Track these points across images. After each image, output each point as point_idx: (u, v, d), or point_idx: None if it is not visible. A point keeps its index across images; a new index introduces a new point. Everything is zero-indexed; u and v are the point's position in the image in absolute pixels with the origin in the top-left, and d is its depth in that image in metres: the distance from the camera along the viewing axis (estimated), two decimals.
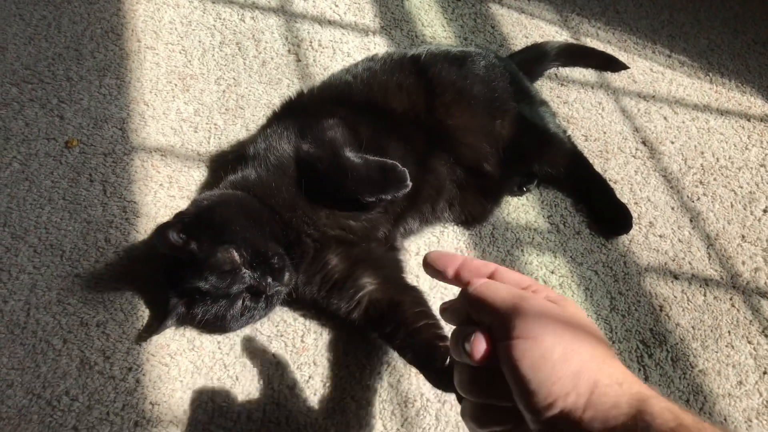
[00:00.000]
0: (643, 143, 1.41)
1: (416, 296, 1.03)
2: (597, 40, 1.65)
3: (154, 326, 0.99)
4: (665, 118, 1.47)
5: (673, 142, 1.42)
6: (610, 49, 1.60)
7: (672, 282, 1.19)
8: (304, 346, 1.04)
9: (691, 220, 1.28)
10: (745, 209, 1.31)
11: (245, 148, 1.14)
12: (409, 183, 1.01)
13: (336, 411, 0.97)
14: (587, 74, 1.55)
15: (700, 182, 1.35)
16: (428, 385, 0.98)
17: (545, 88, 1.49)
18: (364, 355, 1.04)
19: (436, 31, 1.61)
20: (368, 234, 1.08)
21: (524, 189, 1.28)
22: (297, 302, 1.06)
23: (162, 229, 0.91)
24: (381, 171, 1.01)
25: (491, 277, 0.53)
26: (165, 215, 1.16)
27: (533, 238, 1.22)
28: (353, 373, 1.02)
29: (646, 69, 1.58)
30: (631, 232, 1.24)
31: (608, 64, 1.56)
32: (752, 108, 1.53)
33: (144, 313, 1.05)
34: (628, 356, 1.09)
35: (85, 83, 1.34)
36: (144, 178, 1.21)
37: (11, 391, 0.95)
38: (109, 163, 1.22)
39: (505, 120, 1.22)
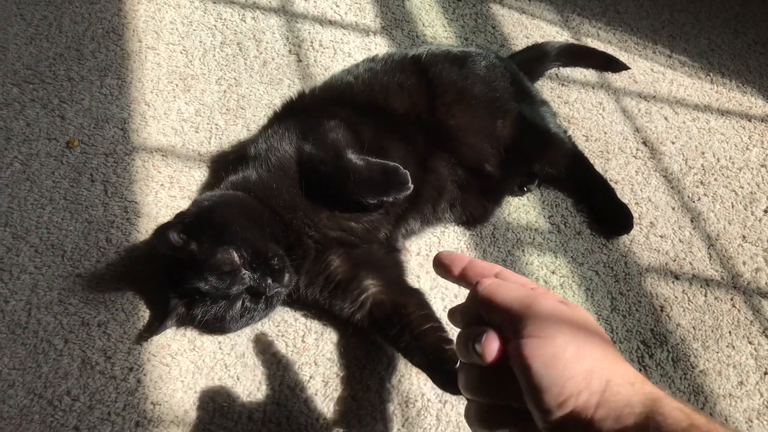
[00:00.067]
0: (644, 143, 1.41)
1: (420, 299, 1.03)
2: (598, 40, 1.65)
3: (154, 327, 0.99)
4: (666, 118, 1.47)
5: (673, 143, 1.42)
6: (610, 50, 1.60)
7: (673, 282, 1.19)
8: (304, 346, 1.04)
9: (691, 221, 1.28)
10: (745, 209, 1.31)
11: (246, 148, 1.14)
12: (411, 185, 1.01)
13: (337, 411, 0.97)
14: (588, 74, 1.55)
15: (701, 182, 1.35)
16: (429, 385, 0.98)
17: (546, 88, 1.49)
18: (364, 356, 1.04)
19: (437, 31, 1.61)
20: (369, 235, 1.08)
21: (525, 189, 1.28)
22: (298, 303, 1.07)
23: (162, 230, 0.92)
24: (383, 173, 1.01)
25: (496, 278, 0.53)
26: (166, 215, 1.16)
27: (534, 239, 1.22)
28: (354, 373, 1.02)
29: (647, 69, 1.58)
30: (632, 232, 1.24)
31: (609, 64, 1.56)
32: (753, 108, 1.53)
33: (145, 313, 1.05)
34: (629, 356, 1.09)
35: (87, 83, 1.34)
36: (145, 178, 1.21)
37: (13, 391, 0.95)
38: (111, 163, 1.23)
39: (506, 120, 1.22)
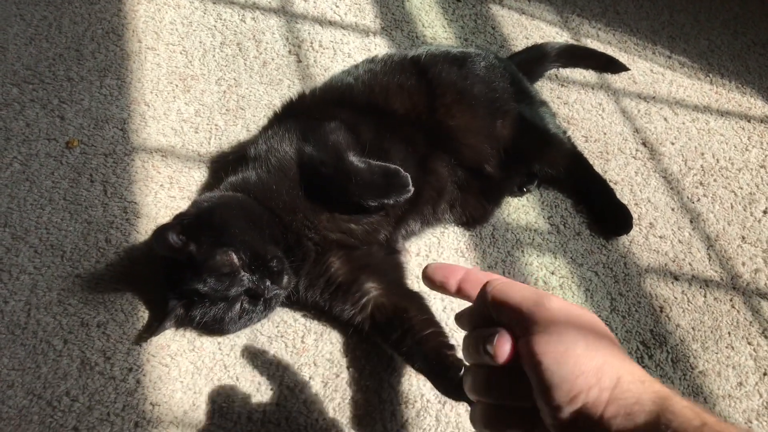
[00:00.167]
0: (644, 144, 1.41)
1: (421, 303, 1.04)
2: (597, 41, 1.65)
3: (153, 327, 0.99)
4: (665, 119, 1.47)
5: (673, 143, 1.42)
6: (610, 50, 1.60)
7: (672, 283, 1.19)
8: (304, 347, 1.04)
9: (691, 221, 1.28)
10: (745, 210, 1.31)
11: (246, 149, 1.14)
12: (411, 188, 1.01)
13: (336, 412, 0.97)
14: (587, 75, 1.55)
15: (701, 183, 1.35)
16: (428, 386, 0.98)
17: (545, 89, 1.49)
18: (364, 356, 1.04)
19: (437, 32, 1.61)
20: (369, 237, 1.08)
21: (524, 189, 1.28)
22: (297, 304, 1.07)
23: (161, 231, 0.91)
24: (384, 176, 1.01)
25: None
26: (165, 216, 1.16)
27: (533, 239, 1.22)
28: (353, 374, 1.02)
29: (647, 70, 1.59)
30: (632, 233, 1.24)
31: (608, 65, 1.56)
32: (752, 109, 1.53)
33: (144, 314, 1.05)
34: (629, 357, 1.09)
35: (86, 84, 1.34)
36: (145, 179, 1.21)
37: (12, 392, 0.95)
38: (110, 163, 1.23)
39: (506, 120, 1.22)
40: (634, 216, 1.25)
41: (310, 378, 1.00)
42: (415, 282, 1.13)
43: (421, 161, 1.14)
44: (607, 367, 0.44)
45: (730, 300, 1.17)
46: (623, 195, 1.30)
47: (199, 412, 0.95)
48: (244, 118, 1.34)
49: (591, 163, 1.31)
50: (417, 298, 1.04)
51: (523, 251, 1.20)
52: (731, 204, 1.32)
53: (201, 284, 0.92)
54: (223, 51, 1.46)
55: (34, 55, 1.38)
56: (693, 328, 1.13)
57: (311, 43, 1.52)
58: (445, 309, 1.10)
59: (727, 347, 1.11)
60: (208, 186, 1.21)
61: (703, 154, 1.41)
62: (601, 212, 1.27)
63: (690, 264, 1.21)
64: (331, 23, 1.58)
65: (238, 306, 0.96)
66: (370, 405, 0.98)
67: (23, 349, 0.99)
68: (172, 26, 1.50)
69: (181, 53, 1.44)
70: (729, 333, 1.12)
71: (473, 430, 0.97)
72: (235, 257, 0.93)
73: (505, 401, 0.48)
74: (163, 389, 0.97)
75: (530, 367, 0.44)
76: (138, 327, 1.03)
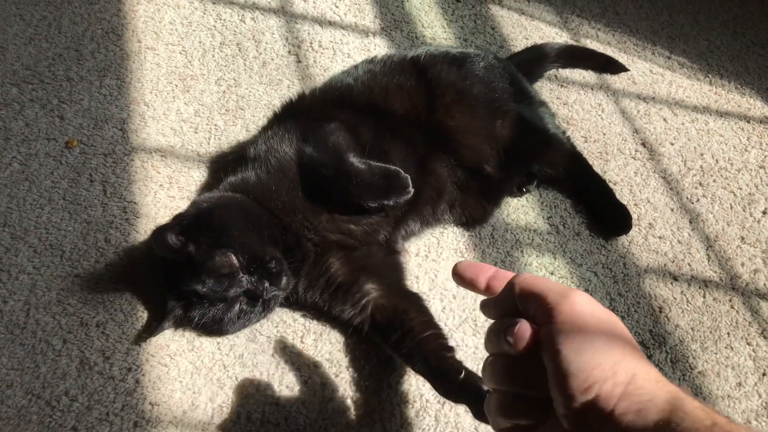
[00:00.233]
0: (643, 145, 1.41)
1: (420, 304, 1.04)
2: (597, 41, 1.65)
3: (152, 328, 0.99)
4: (665, 119, 1.47)
5: (672, 144, 1.42)
6: (610, 51, 1.60)
7: (671, 283, 1.19)
8: (303, 347, 1.04)
9: (690, 222, 1.28)
10: (744, 211, 1.31)
11: (245, 149, 1.14)
12: (411, 189, 1.02)
13: (335, 412, 0.97)
14: (587, 76, 1.55)
15: (700, 184, 1.35)
16: (427, 386, 0.98)
17: (545, 89, 1.49)
18: (363, 357, 1.04)
19: (436, 32, 1.61)
20: (369, 238, 1.08)
21: (524, 190, 1.28)
22: (296, 305, 1.07)
23: (160, 232, 0.91)
24: (384, 177, 1.02)
25: None
26: (165, 216, 1.16)
27: (533, 239, 1.22)
28: (352, 374, 1.02)
29: (646, 70, 1.59)
30: (631, 233, 1.24)
31: (608, 66, 1.56)
32: (752, 110, 1.53)
33: (144, 314, 1.05)
34: None
35: (86, 84, 1.34)
36: (144, 179, 1.21)
37: (11, 392, 0.95)
38: (110, 163, 1.22)
39: (505, 121, 1.22)
40: (634, 216, 1.25)
41: (309, 378, 1.00)
42: (413, 281, 1.13)
43: (420, 162, 1.14)
44: (623, 364, 0.45)
45: (730, 300, 1.17)
46: (622, 195, 1.30)
47: (198, 412, 0.95)
48: (243, 119, 1.34)
49: (590, 163, 1.31)
50: (416, 300, 1.05)
51: (522, 251, 1.21)
52: (730, 204, 1.32)
53: (200, 285, 0.92)
54: (222, 51, 1.46)
55: (34, 54, 1.38)
56: (692, 329, 1.13)
57: (311, 43, 1.52)
58: (444, 310, 1.10)
59: (726, 348, 1.11)
60: (207, 186, 1.21)
61: (702, 154, 1.41)
62: (601, 212, 1.27)
63: (689, 264, 1.22)
64: (331, 23, 1.58)
65: (236, 307, 0.96)
66: (369, 405, 0.98)
67: (22, 348, 0.99)
68: (172, 26, 1.50)
69: (180, 53, 1.44)
70: (728, 333, 1.13)
71: (473, 429, 0.97)
72: (234, 258, 0.93)
73: (521, 390, 0.50)
74: (162, 389, 0.97)
75: (549, 355, 0.46)
76: (137, 327, 1.03)
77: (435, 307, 1.08)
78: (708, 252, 1.24)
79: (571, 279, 1.17)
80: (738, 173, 1.38)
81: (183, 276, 0.94)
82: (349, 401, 0.99)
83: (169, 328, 1.00)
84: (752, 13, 1.80)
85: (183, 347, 1.02)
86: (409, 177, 1.02)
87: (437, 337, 0.98)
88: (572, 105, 1.47)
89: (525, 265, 1.18)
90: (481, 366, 1.03)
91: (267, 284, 0.95)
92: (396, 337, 0.98)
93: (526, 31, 1.64)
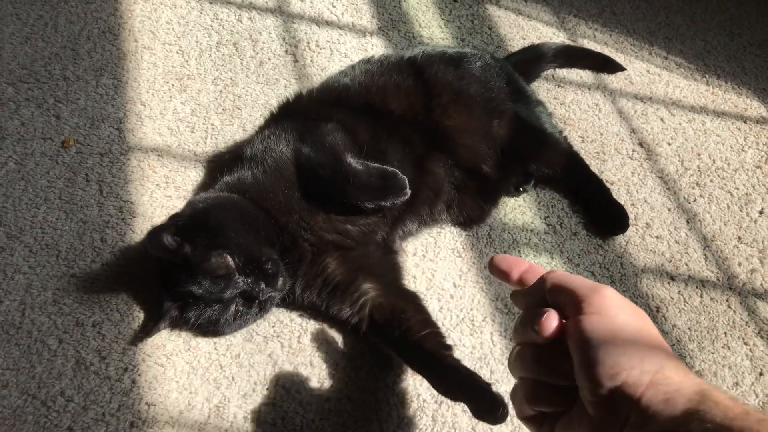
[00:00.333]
0: (640, 145, 1.41)
1: (418, 304, 1.04)
2: (594, 41, 1.65)
3: (148, 328, 0.99)
4: (662, 119, 1.47)
5: (669, 144, 1.42)
6: (607, 51, 1.60)
7: (669, 283, 1.19)
8: (300, 347, 1.04)
9: (687, 222, 1.28)
10: (741, 211, 1.31)
11: (242, 149, 1.14)
12: (408, 191, 1.02)
13: (332, 412, 0.97)
14: (584, 76, 1.55)
15: (697, 184, 1.35)
16: (425, 386, 0.98)
17: (542, 89, 1.49)
18: (360, 356, 1.04)
19: (434, 32, 1.61)
20: (366, 238, 1.08)
21: (521, 189, 1.28)
22: (293, 305, 1.06)
23: (155, 233, 0.91)
24: (382, 178, 1.02)
25: None
26: (161, 215, 1.15)
27: (530, 239, 1.22)
28: (350, 374, 1.02)
29: (643, 71, 1.59)
30: (628, 233, 1.24)
31: (605, 65, 1.56)
32: (748, 110, 1.53)
33: (140, 314, 1.04)
34: None
35: (82, 83, 1.34)
36: (140, 178, 1.21)
37: (6, 392, 0.94)
38: (106, 163, 1.22)
39: (503, 120, 1.22)
40: (631, 216, 1.25)
41: (306, 378, 1.00)
42: (411, 281, 1.13)
43: (418, 162, 1.14)
44: (651, 354, 0.45)
45: (727, 300, 1.17)
46: (620, 195, 1.30)
47: (195, 412, 0.95)
48: (240, 118, 1.34)
49: (588, 163, 1.31)
50: (414, 299, 1.05)
51: (519, 251, 1.20)
52: (727, 204, 1.32)
53: (196, 286, 0.92)
54: (219, 51, 1.46)
55: (30, 54, 1.38)
56: (689, 329, 1.13)
57: (308, 43, 1.52)
58: (441, 309, 1.10)
59: (723, 347, 1.11)
60: (204, 185, 1.21)
61: (699, 154, 1.41)
62: (598, 212, 1.27)
63: (686, 264, 1.22)
64: (328, 23, 1.58)
65: (232, 308, 0.96)
66: (366, 405, 0.98)
67: (18, 348, 0.99)
68: (169, 26, 1.49)
69: (177, 53, 1.44)
70: (725, 333, 1.13)
71: (470, 429, 0.97)
72: (230, 260, 0.93)
73: (547, 378, 0.51)
74: (158, 389, 0.97)
75: (578, 343, 0.46)
76: (134, 327, 1.03)
77: (432, 307, 1.08)
78: (705, 252, 1.24)
79: None
80: (735, 173, 1.38)
81: (179, 277, 0.93)
82: (346, 401, 0.99)
83: (165, 329, 0.99)
84: (749, 13, 1.80)
85: (179, 347, 1.01)
86: (406, 178, 1.02)
87: (435, 335, 0.98)
88: (569, 105, 1.47)
89: None
90: (478, 365, 1.03)
91: (263, 285, 0.94)
92: (394, 336, 0.98)
93: (524, 31, 1.64)
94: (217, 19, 1.53)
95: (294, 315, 1.07)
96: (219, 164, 1.21)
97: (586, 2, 1.76)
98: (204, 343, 1.02)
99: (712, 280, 1.20)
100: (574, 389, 0.47)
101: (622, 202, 1.27)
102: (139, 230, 1.14)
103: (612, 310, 0.47)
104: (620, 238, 1.24)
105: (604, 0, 1.76)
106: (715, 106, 1.53)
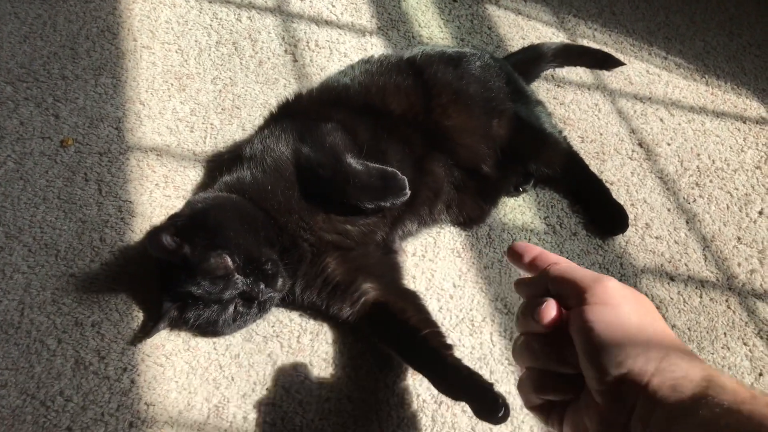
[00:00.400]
0: (640, 145, 1.41)
1: (418, 303, 1.04)
2: (593, 41, 1.65)
3: (147, 329, 0.98)
4: (661, 120, 1.47)
5: (669, 144, 1.42)
6: (606, 51, 1.60)
7: (668, 283, 1.19)
8: (300, 347, 1.04)
9: (687, 222, 1.28)
10: (740, 211, 1.31)
11: (241, 148, 1.14)
12: (408, 191, 1.02)
13: (332, 412, 0.97)
14: (584, 76, 1.55)
15: (696, 184, 1.35)
16: (425, 385, 0.98)
17: (542, 89, 1.49)
18: (360, 356, 1.04)
19: (433, 32, 1.61)
20: (365, 238, 1.08)
21: (521, 189, 1.28)
22: (293, 305, 1.06)
23: (155, 233, 0.91)
24: (381, 178, 1.01)
25: None
26: (160, 215, 1.15)
27: (530, 239, 1.22)
28: (349, 373, 1.01)
29: (643, 71, 1.59)
30: (628, 233, 1.24)
31: (605, 61, 1.56)
32: (748, 110, 1.53)
33: (139, 314, 1.04)
34: None
35: (81, 82, 1.34)
36: (140, 178, 1.20)
37: (5, 392, 0.94)
38: (105, 162, 1.22)
39: (502, 120, 1.22)
40: (630, 216, 1.25)
41: (305, 378, 1.00)
42: (411, 281, 1.12)
43: (417, 162, 1.14)
44: (657, 341, 0.45)
45: (726, 301, 1.17)
46: (619, 195, 1.30)
47: (194, 412, 0.95)
48: (239, 118, 1.34)
49: (587, 163, 1.31)
50: (414, 298, 1.05)
51: None
52: (727, 205, 1.32)
53: (195, 287, 0.92)
54: (218, 50, 1.46)
55: (29, 53, 1.37)
56: (689, 329, 1.13)
57: (307, 42, 1.51)
58: (440, 309, 1.10)
59: (722, 348, 1.11)
60: (203, 185, 1.21)
61: (699, 155, 1.41)
62: (598, 212, 1.27)
63: (686, 264, 1.22)
64: (328, 23, 1.58)
65: (232, 308, 0.96)
66: (366, 405, 0.98)
67: (17, 348, 0.98)
68: (168, 25, 1.49)
69: (176, 52, 1.44)
70: (725, 334, 1.13)
71: (470, 429, 0.97)
72: (229, 260, 0.93)
73: (553, 367, 0.51)
74: (158, 389, 0.97)
75: (581, 334, 0.47)
76: (133, 326, 1.02)
77: (432, 307, 1.08)
78: (705, 252, 1.24)
79: None
80: (734, 174, 1.38)
81: (178, 277, 0.93)
82: (346, 401, 0.98)
83: (164, 329, 0.99)
84: (748, 13, 1.80)
85: (179, 347, 1.01)
86: (406, 179, 1.02)
87: (436, 334, 0.98)
88: (569, 105, 1.47)
89: None
90: (478, 365, 1.03)
91: (262, 286, 0.94)
92: (394, 336, 0.98)
93: (523, 31, 1.64)
94: (217, 18, 1.53)
95: (293, 315, 1.07)
96: (218, 164, 1.21)
97: (586, 2, 1.76)
98: (203, 343, 1.02)
99: (711, 281, 1.20)
100: (581, 377, 0.48)
101: (622, 203, 1.27)
102: (138, 230, 1.14)
103: (615, 300, 0.48)
104: (620, 239, 1.24)
105: (603, 0, 1.76)
106: (715, 106, 1.53)
